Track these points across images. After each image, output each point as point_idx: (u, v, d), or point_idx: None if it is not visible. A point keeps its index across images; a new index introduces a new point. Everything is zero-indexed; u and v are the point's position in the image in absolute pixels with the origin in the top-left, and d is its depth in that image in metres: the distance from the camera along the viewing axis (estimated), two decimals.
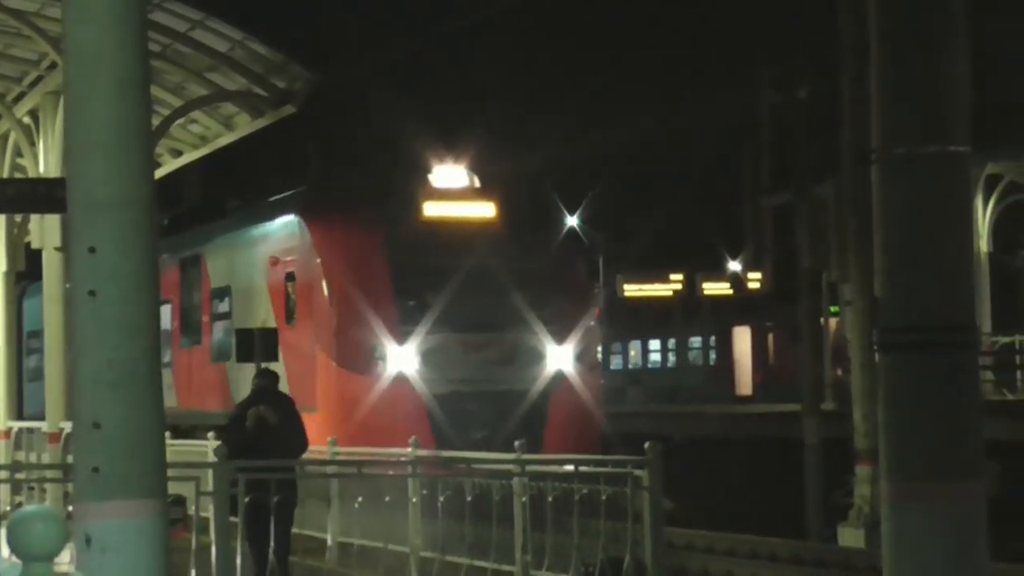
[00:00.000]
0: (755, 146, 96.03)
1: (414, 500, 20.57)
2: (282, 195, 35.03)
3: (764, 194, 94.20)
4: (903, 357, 11.12)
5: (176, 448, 21.49)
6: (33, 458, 25.45)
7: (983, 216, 47.50)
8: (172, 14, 22.39)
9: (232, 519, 18.89)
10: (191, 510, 19.15)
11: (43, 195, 19.51)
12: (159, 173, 27.24)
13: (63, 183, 9.78)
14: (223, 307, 36.36)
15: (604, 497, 17.61)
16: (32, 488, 21.04)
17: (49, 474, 21.87)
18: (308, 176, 39.24)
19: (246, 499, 17.78)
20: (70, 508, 9.44)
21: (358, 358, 29.97)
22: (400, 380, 28.56)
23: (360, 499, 21.21)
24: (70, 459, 13.05)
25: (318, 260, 29.39)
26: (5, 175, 26.43)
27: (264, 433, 18.28)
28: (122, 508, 8.99)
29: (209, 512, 18.91)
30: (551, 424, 29.37)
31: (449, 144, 31.77)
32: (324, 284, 29.56)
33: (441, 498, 20.39)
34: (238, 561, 18.45)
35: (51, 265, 27.50)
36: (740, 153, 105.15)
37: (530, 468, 19.10)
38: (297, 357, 30.57)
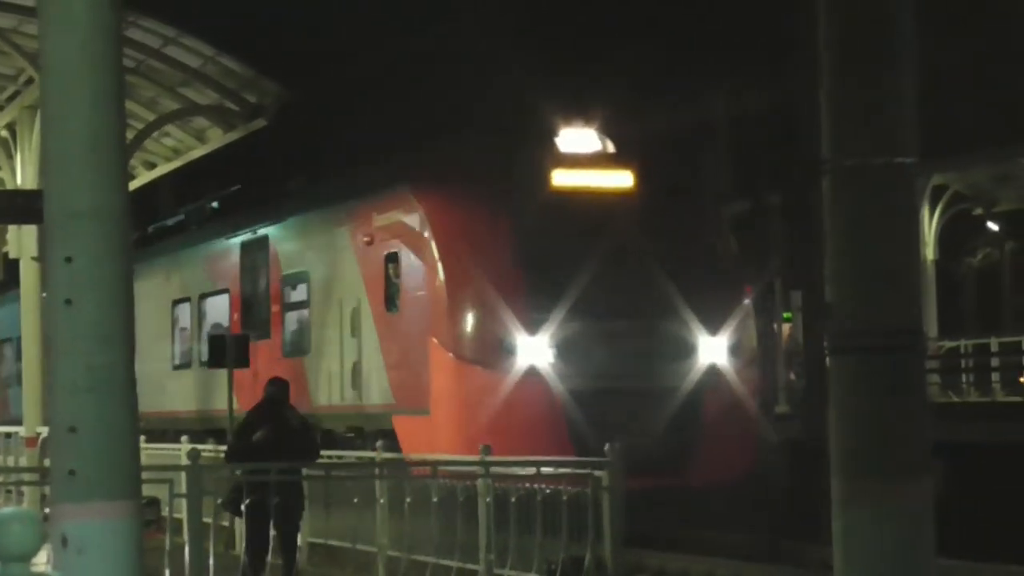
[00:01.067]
0: (712, 154, 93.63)
1: (381, 501, 20.53)
2: (383, 163, 29.95)
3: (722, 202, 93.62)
4: (852, 360, 11.20)
5: (150, 451, 21.01)
6: (11, 461, 25.31)
7: (930, 225, 47.73)
8: (146, 31, 22.42)
9: (206, 520, 18.89)
10: (165, 511, 19.09)
11: (20, 206, 19.46)
12: (133, 185, 27.01)
13: (40, 194, 9.76)
14: (297, 295, 31.36)
15: (565, 497, 17.62)
16: (10, 491, 20.93)
17: (26, 477, 21.81)
18: (416, 141, 31.75)
19: (246, 502, 17.79)
20: (47, 510, 9.41)
21: (482, 350, 24.72)
22: (532, 375, 23.57)
23: (329, 501, 20.98)
24: (47, 462, 13.00)
25: (433, 237, 24.42)
26: None
27: (276, 446, 17.94)
28: (97, 509, 8.97)
29: (183, 513, 18.91)
30: (706, 428, 24.93)
31: (579, 103, 27.13)
32: (440, 264, 24.49)
33: (408, 499, 20.39)
34: (211, 561, 18.42)
35: (28, 274, 27.53)
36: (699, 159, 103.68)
37: (494, 470, 19.11)
38: (400, 350, 25.72)
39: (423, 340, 24.71)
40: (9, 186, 26.09)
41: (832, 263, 11.51)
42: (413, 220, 25.30)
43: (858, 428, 11.08)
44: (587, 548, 17.13)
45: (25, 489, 20.71)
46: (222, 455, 19.91)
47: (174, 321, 37.46)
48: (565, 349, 23.27)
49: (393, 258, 26.00)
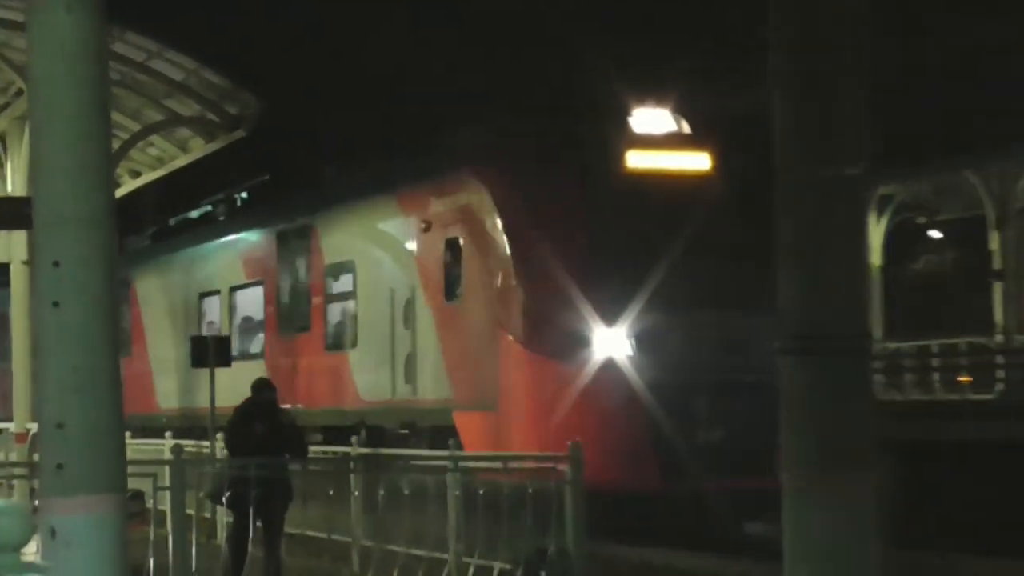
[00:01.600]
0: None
1: (356, 494, 20.52)
2: (441, 145, 26.26)
3: None
4: (802, 360, 11.22)
5: (135, 446, 20.79)
6: (1, 456, 25.25)
7: (876, 233, 47.74)
8: (131, 45, 22.35)
9: (189, 512, 18.86)
10: (149, 504, 19.04)
11: (10, 212, 19.39)
12: (119, 192, 26.91)
13: (29, 201, 9.70)
14: (342, 286, 28.75)
15: (531, 490, 17.61)
16: (0, 484, 20.87)
17: (16, 471, 21.75)
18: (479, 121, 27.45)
19: (227, 494, 17.79)
20: (36, 503, 9.40)
21: (555, 343, 21.82)
22: (609, 369, 20.99)
23: (306, 494, 20.78)
24: (36, 457, 12.96)
25: (501, 222, 22.04)
26: None
27: (263, 443, 17.80)
28: (84, 503, 8.97)
29: (166, 505, 18.89)
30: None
31: (654, 84, 24.50)
32: (509, 251, 22.09)
33: (381, 492, 20.38)
34: (194, 551, 18.40)
35: (18, 278, 27.45)
36: None
37: (463, 464, 19.14)
38: (462, 342, 23.43)
39: (490, 331, 22.48)
40: (0, 193, 26.00)
41: (784, 269, 11.53)
42: (478, 204, 23.08)
43: (807, 424, 11.13)
44: (551, 538, 17.14)
45: (15, 483, 20.62)
46: (205, 451, 19.65)
47: (201, 315, 35.52)
48: (644, 341, 21.14)
49: (454, 245, 23.82)
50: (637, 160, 22.12)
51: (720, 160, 22.92)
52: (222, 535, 18.07)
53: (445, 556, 18.64)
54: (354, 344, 27.55)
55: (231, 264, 33.71)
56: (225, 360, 32.95)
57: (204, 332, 33.75)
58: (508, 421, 21.45)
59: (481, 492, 18.50)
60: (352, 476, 20.81)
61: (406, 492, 19.98)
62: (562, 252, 21.59)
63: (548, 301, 21.66)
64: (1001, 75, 36.38)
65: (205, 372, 31.24)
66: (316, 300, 29.20)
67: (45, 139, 9.32)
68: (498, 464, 18.99)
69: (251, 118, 25.97)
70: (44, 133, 9.33)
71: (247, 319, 33.09)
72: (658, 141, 22.48)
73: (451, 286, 23.52)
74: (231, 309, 33.56)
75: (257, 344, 32.20)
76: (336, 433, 25.14)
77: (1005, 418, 28.91)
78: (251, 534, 17.27)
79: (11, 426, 27.23)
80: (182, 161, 28.79)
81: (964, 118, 34.66)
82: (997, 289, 43.54)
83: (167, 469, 19.07)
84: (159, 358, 35.43)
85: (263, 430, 17.57)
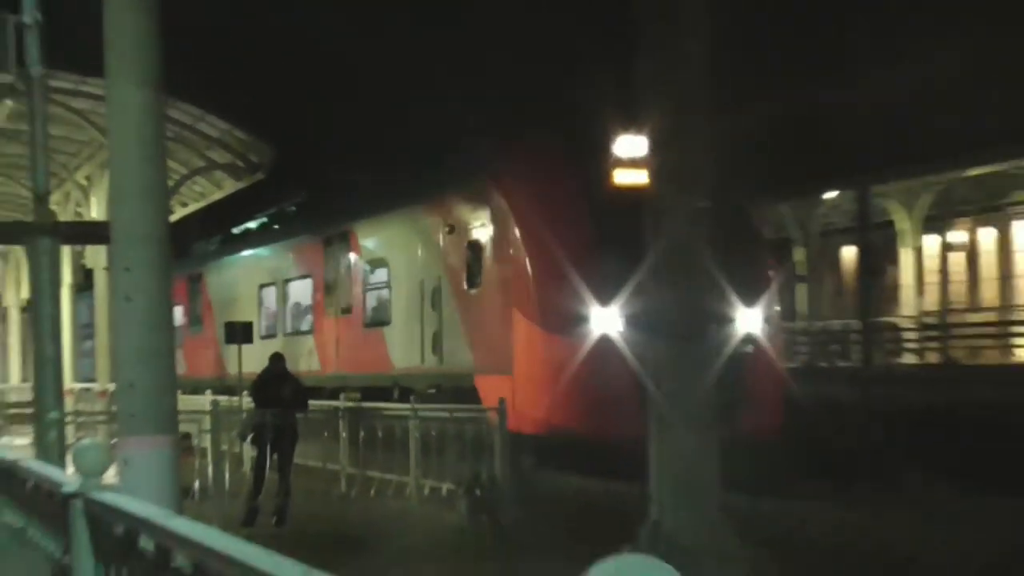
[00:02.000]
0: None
1: (344, 436, 20.53)
2: (464, 163, 24.91)
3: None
4: (660, 344, 11.25)
5: (185, 400, 20.49)
6: (88, 407, 25.10)
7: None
8: (181, 111, 22.22)
9: (223, 448, 18.91)
10: (195, 442, 19.01)
11: (95, 233, 19.23)
12: (172, 218, 26.74)
13: (108, 225, 9.71)
14: (378, 278, 27.01)
15: (470, 433, 17.71)
16: (88, 428, 20.77)
17: (99, 418, 21.64)
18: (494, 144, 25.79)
19: (251, 434, 17.83)
20: (113, 441, 9.44)
21: (559, 321, 20.53)
22: (602, 341, 19.84)
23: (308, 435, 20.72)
24: (113, 408, 12.95)
25: (516, 226, 20.87)
26: (70, 219, 26.10)
27: (278, 400, 17.69)
28: (148, 441, 9.04)
29: (207, 443, 18.95)
30: (749, 388, 20.47)
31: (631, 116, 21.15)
32: (523, 249, 20.83)
33: (361, 433, 20.44)
34: (226, 476, 18.42)
35: (100, 280, 27.33)
36: None
37: (421, 414, 19.18)
38: (482, 321, 22.19)
39: (506, 312, 21.07)
40: (87, 218, 25.88)
41: (656, 276, 11.58)
42: (497, 211, 21.57)
43: (673, 388, 11.16)
44: (483, 467, 17.20)
45: (99, 427, 20.54)
46: (235, 404, 19.55)
47: (260, 301, 33.58)
48: (629, 319, 19.53)
49: (475, 243, 22.19)
50: (621, 178, 21.12)
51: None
52: (247, 465, 18.00)
53: (407, 479, 18.63)
54: (388, 322, 26.06)
55: (285, 261, 32.27)
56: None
57: (262, 315, 32.96)
58: (522, 383, 20.30)
59: (434, 434, 18.55)
60: (340, 423, 20.79)
61: (380, 435, 20.01)
62: (565, 250, 20.38)
63: (554, 289, 20.54)
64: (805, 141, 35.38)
65: (267, 344, 30.28)
66: (356, 290, 27.81)
67: (118, 180, 9.38)
68: (445, 414, 18.97)
69: (268, 164, 25.83)
70: (118, 176, 9.39)
71: (297, 304, 31.59)
72: (636, 163, 20.77)
73: (473, 277, 22.22)
74: (284, 297, 32.16)
75: (307, 324, 30.70)
76: (374, 392, 24.50)
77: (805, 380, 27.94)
78: (268, 464, 17.23)
79: (95, 386, 27.08)
80: (218, 195, 28.53)
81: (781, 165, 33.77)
82: (801, 289, 43.58)
83: (208, 417, 19.16)
84: (224, 335, 33.69)
85: (276, 390, 17.55)
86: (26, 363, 33.94)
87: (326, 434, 20.72)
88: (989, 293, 40.01)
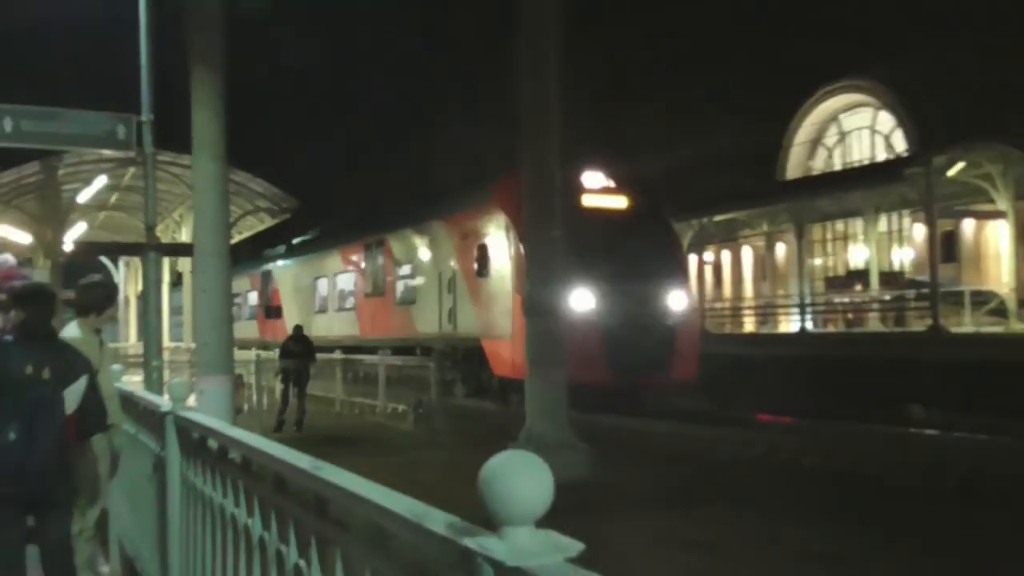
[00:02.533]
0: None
1: (338, 376, 20.37)
2: (476, 190, 22.21)
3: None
4: (531, 319, 11.25)
5: (240, 354, 20.17)
6: (178, 358, 24.79)
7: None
8: (239, 175, 21.94)
9: (263, 384, 18.67)
10: (247, 380, 18.73)
11: (183, 249, 18.95)
12: (233, 241, 26.37)
13: (191, 245, 9.58)
14: (405, 270, 24.74)
15: (417, 376, 17.63)
16: (177, 370, 20.49)
17: (185, 365, 21.33)
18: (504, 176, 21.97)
19: (280, 374, 17.55)
20: (193, 379, 9.31)
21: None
22: (579, 314, 18.04)
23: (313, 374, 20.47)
24: (194, 358, 12.76)
25: (514, 234, 18.95)
26: (168, 241, 25.78)
27: (297, 353, 17.35)
28: (216, 379, 8.94)
29: (252, 381, 18.71)
30: (677, 349, 19.34)
31: (594, 153, 21.92)
32: (520, 250, 18.29)
33: (351, 375, 20.28)
34: (264, 401, 18.20)
35: (186, 279, 27.02)
36: None
37: (387, 363, 19.06)
38: (489, 300, 20.18)
39: (508, 294, 19.15)
40: (179, 240, 25.63)
41: (527, 276, 11.58)
42: (501, 224, 19.78)
43: (536, 347, 11.17)
44: (424, 395, 17.14)
45: (184, 370, 20.25)
46: (276, 355, 19.22)
47: (315, 288, 31.30)
48: (597, 299, 18.46)
49: (483, 246, 20.32)
50: (588, 201, 19.59)
51: (632, 201, 20.35)
52: (277, 394, 17.77)
53: (377, 403, 18.52)
54: (415, 301, 23.78)
55: (334, 260, 29.94)
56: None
57: (315, 296, 31.22)
58: (519, 344, 17.49)
59: (394, 376, 18.49)
60: (336, 368, 20.61)
61: (361, 375, 19.88)
62: (549, 251, 18.90)
63: (542, 277, 18.93)
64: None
65: (308, 317, 29.27)
66: (388, 279, 25.58)
67: (200, 217, 9.26)
68: (401, 362, 18.86)
69: (295, 208, 25.58)
70: (199, 214, 9.27)
71: (342, 290, 29.31)
72: (598, 190, 20.07)
73: (482, 269, 20.17)
74: (334, 285, 29.84)
75: (350, 303, 28.39)
76: (403, 350, 22.41)
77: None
78: (290, 394, 17.06)
79: (183, 344, 26.73)
80: (260, 227, 28.17)
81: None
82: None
83: (253, 365, 18.96)
84: (288, 310, 32.46)
85: (296, 347, 17.33)
86: (139, 331, 33.30)
87: (328, 375, 20.59)
88: (727, 291, 40.80)
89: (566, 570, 1.38)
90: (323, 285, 30.75)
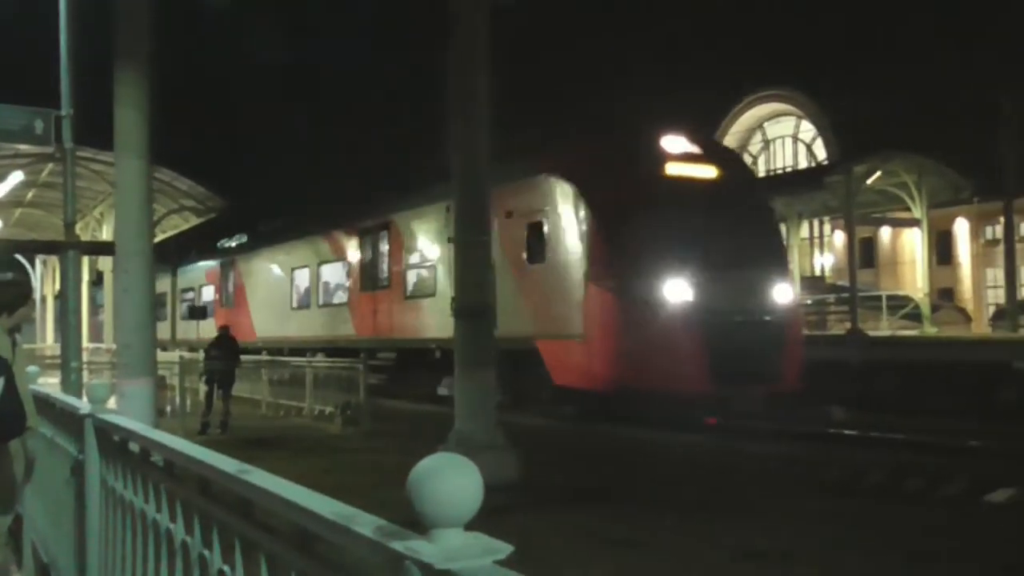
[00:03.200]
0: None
1: (264, 378, 20.09)
2: (530, 159, 18.11)
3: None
4: (462, 320, 11.23)
5: (162, 355, 19.67)
6: (98, 359, 24.18)
7: None
8: (163, 173, 21.44)
9: (187, 385, 18.32)
10: (170, 381, 18.36)
11: (104, 248, 18.51)
12: (156, 240, 25.80)
13: (113, 243, 9.37)
14: (416, 258, 20.61)
15: (344, 375, 17.45)
16: (97, 372, 19.96)
17: (105, 366, 20.82)
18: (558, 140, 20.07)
19: (205, 375, 17.20)
20: (115, 381, 9.09)
21: (632, 290, 15.04)
22: (671, 308, 14.81)
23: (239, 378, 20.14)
24: (115, 359, 12.48)
25: (586, 209, 15.57)
26: (88, 239, 25.20)
27: (217, 353, 17.05)
28: (138, 381, 8.73)
29: (176, 383, 18.36)
30: (785, 352, 15.61)
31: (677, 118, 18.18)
32: (596, 229, 15.42)
33: (277, 376, 20.00)
34: (188, 403, 17.86)
35: (107, 278, 26.43)
36: None
37: (314, 365, 18.84)
38: (545, 292, 16.49)
39: (578, 284, 15.65)
40: (100, 239, 25.02)
41: (457, 279, 11.57)
42: (566, 196, 16.13)
43: (464, 348, 11.16)
44: (353, 396, 17.01)
45: (104, 371, 19.75)
46: (200, 357, 18.89)
47: (292, 280, 26.88)
48: (690, 289, 14.88)
49: (536, 226, 16.73)
50: (673, 169, 16.06)
51: (722, 170, 16.67)
52: (201, 396, 17.47)
53: (304, 404, 18.32)
54: (432, 294, 19.64)
55: (319, 248, 25.53)
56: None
57: (294, 293, 26.84)
58: (597, 346, 15.22)
59: (322, 376, 18.26)
60: (262, 370, 20.34)
61: (287, 376, 19.63)
62: (632, 231, 15.30)
63: (627, 262, 15.22)
64: None
65: (283, 314, 26.65)
66: (395, 268, 21.38)
67: (122, 214, 9.05)
68: (328, 364, 18.66)
69: (218, 208, 25.08)
70: (121, 212, 9.07)
71: (328, 283, 25.13)
72: (684, 157, 16.42)
73: (535, 253, 16.67)
74: (317, 277, 25.45)
75: (340, 298, 24.27)
76: (413, 352, 19.75)
77: None
78: (215, 396, 16.77)
79: (103, 345, 26.09)
80: (185, 226, 27.57)
81: None
82: None
83: (177, 366, 18.63)
84: (256, 307, 28.73)
85: (221, 348, 17.05)
86: (56, 331, 32.39)
87: (253, 376, 20.29)
88: None
89: (495, 573, 1.38)
90: (303, 277, 26.66)
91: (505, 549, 1.43)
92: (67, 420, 5.05)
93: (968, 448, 12.81)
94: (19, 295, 5.41)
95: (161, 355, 14.64)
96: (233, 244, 33.05)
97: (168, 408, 17.29)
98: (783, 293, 16.19)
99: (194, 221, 26.80)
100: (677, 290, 14.92)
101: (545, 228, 16.67)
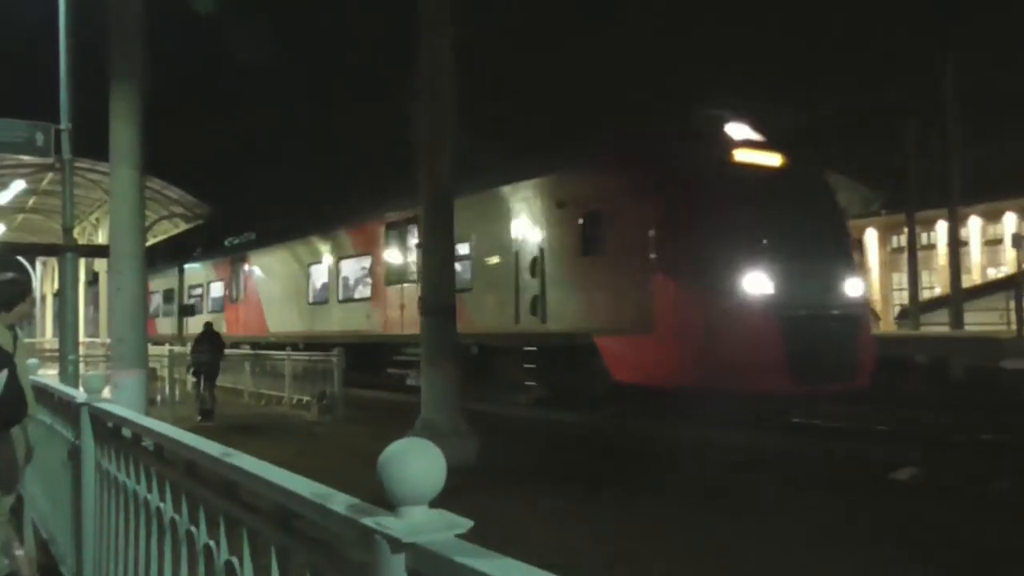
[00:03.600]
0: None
1: (247, 369, 19.88)
2: (576, 148, 16.39)
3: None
4: (428, 318, 11.16)
5: (154, 350, 19.36)
6: (93, 352, 23.78)
7: None
8: (155, 182, 21.13)
9: (175, 376, 18.06)
10: (161, 373, 18.11)
11: (100, 251, 18.21)
12: (148, 243, 25.44)
13: (108, 247, 9.24)
14: (461, 251, 16.24)
15: (321, 368, 17.29)
16: (92, 364, 19.65)
17: (101, 358, 20.48)
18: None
19: (192, 368, 16.92)
20: (109, 372, 8.94)
21: (708, 282, 12.79)
22: (746, 302, 12.52)
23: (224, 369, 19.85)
24: (109, 352, 12.28)
25: (654, 197, 13.34)
26: (85, 243, 24.79)
27: (203, 347, 16.82)
28: (130, 372, 8.60)
29: (166, 374, 18.10)
30: (861, 347, 13.50)
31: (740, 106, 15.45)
32: (665, 218, 13.25)
33: (258, 368, 19.78)
34: (176, 393, 17.60)
35: (102, 278, 26.00)
36: None
37: (293, 358, 18.66)
38: (604, 285, 14.06)
39: (648, 276, 13.27)
40: (96, 242, 24.63)
41: (421, 278, 11.49)
42: (631, 184, 13.87)
43: (430, 344, 11.09)
44: (327, 388, 16.87)
45: (99, 363, 19.44)
46: (188, 350, 18.55)
47: (308, 276, 23.96)
48: (769, 280, 12.59)
49: (595, 215, 14.37)
50: (741, 156, 13.71)
51: (787, 158, 14.29)
52: (189, 386, 17.24)
53: (284, 394, 18.15)
54: (469, 289, 16.84)
55: (339, 242, 22.64)
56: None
57: (311, 288, 24.01)
58: (666, 341, 13.02)
59: (302, 368, 18.09)
60: (245, 362, 20.13)
61: (268, 367, 19.43)
62: (706, 219, 13.13)
63: (702, 252, 12.99)
64: None
65: (299, 310, 24.14)
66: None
67: (116, 220, 8.90)
68: (307, 357, 18.49)
69: (208, 214, 24.73)
70: (116, 218, 8.92)
71: (348, 277, 22.38)
72: (750, 144, 14.12)
73: (592, 245, 14.39)
74: (337, 271, 22.59)
75: (363, 292, 21.35)
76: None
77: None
78: (201, 386, 16.57)
79: (98, 340, 25.62)
80: (175, 231, 27.13)
81: None
82: None
83: (167, 359, 18.36)
84: (268, 302, 26.10)
85: (207, 342, 16.87)
86: (55, 326, 31.75)
87: (237, 368, 20.07)
88: None
89: (456, 545, 1.39)
90: (320, 272, 23.87)
91: (466, 524, 1.44)
92: (65, 408, 4.98)
93: (878, 432, 13.04)
94: (18, 293, 5.30)
95: (152, 348, 14.43)
96: (243, 240, 30.59)
97: (158, 397, 17.06)
98: (855, 286, 14.07)
99: (183, 226, 26.46)
100: (757, 282, 12.77)
101: (606, 217, 14.30)
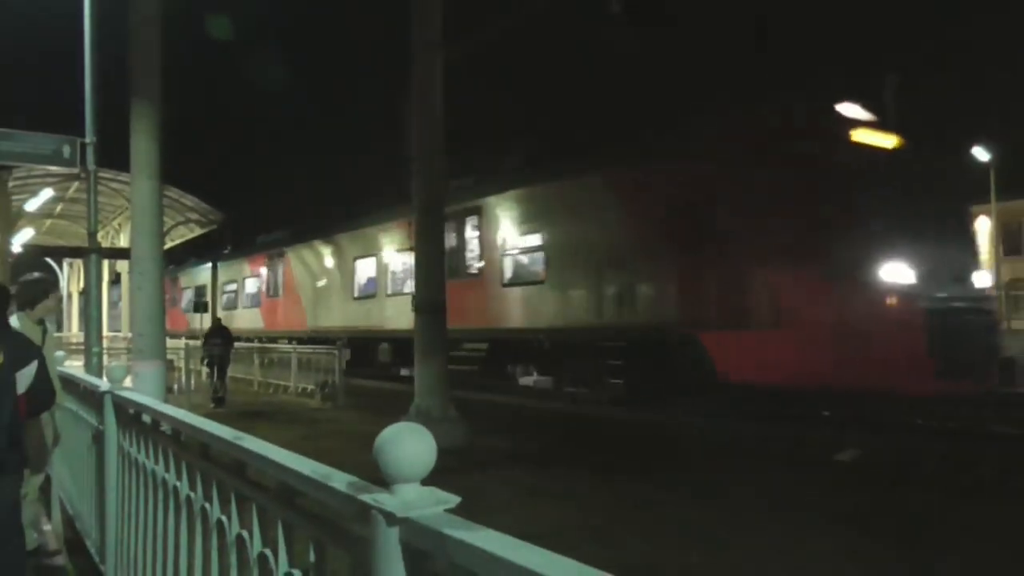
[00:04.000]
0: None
1: (256, 361, 19.77)
2: (669, 135, 13.76)
3: None
4: (421, 316, 11.15)
5: (171, 342, 19.06)
6: (116, 345, 23.58)
7: None
8: (172, 191, 21.03)
9: (191, 367, 17.94)
10: (178, 364, 17.99)
11: (122, 253, 18.08)
12: (166, 247, 25.24)
13: (129, 250, 9.16)
14: (527, 243, 15.53)
15: (324, 359, 17.23)
16: (115, 356, 19.52)
17: (123, 351, 20.33)
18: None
19: (205, 359, 16.79)
20: (130, 363, 8.87)
21: (840, 272, 10.61)
22: (880, 294, 10.42)
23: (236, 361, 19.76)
24: (130, 345, 12.17)
25: (768, 183, 11.22)
26: (108, 246, 24.56)
27: (215, 341, 16.69)
28: (149, 363, 8.54)
29: (182, 365, 17.97)
30: (997, 343, 11.71)
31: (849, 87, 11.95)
32: (780, 205, 11.09)
33: (267, 360, 19.67)
34: (192, 382, 17.49)
35: (124, 278, 25.77)
36: None
37: (299, 351, 18.57)
38: (709, 276, 11.97)
39: (763, 266, 11.28)
40: (118, 246, 24.43)
41: (416, 280, 11.46)
42: (744, 170, 11.68)
43: (424, 339, 11.08)
44: (330, 378, 16.82)
45: (121, 355, 19.30)
46: (201, 342, 18.42)
47: (354, 270, 21.74)
48: (912, 272, 10.52)
49: (695, 203, 12.26)
50: (860, 136, 11.20)
51: (904, 141, 11.63)
52: (203, 376, 17.14)
53: (290, 383, 18.07)
54: (542, 281, 15.17)
55: (388, 236, 20.30)
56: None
57: (356, 283, 21.73)
58: (791, 337, 10.94)
59: (307, 360, 18.02)
60: (254, 354, 20.02)
61: (276, 359, 19.33)
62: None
63: (832, 239, 10.83)
64: None
65: (342, 304, 22.06)
66: (490, 254, 16.51)
67: (136, 225, 8.82)
68: (311, 349, 18.41)
69: (221, 220, 24.59)
70: (136, 223, 8.83)
71: (395, 272, 20.07)
72: (868, 124, 11.42)
73: (693, 236, 12.30)
74: (384, 266, 20.33)
75: (411, 287, 16.60)
76: (506, 344, 15.99)
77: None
78: (214, 376, 16.49)
79: (120, 334, 25.42)
80: (191, 236, 26.98)
81: None
82: None
83: (183, 351, 18.22)
84: (308, 297, 24.06)
85: (218, 336, 16.81)
86: (80, 322, 31.51)
87: (247, 360, 19.97)
88: None
89: (445, 519, 1.40)
90: (366, 266, 21.53)
91: (454, 500, 1.46)
92: (90, 396, 4.96)
93: (822, 417, 13.08)
94: (41, 291, 5.26)
95: (171, 342, 14.33)
96: (279, 236, 27.97)
97: (175, 386, 16.95)
98: (983, 278, 12.19)
99: (199, 231, 26.28)
100: (895, 272, 10.76)
101: (710, 205, 12.27)
